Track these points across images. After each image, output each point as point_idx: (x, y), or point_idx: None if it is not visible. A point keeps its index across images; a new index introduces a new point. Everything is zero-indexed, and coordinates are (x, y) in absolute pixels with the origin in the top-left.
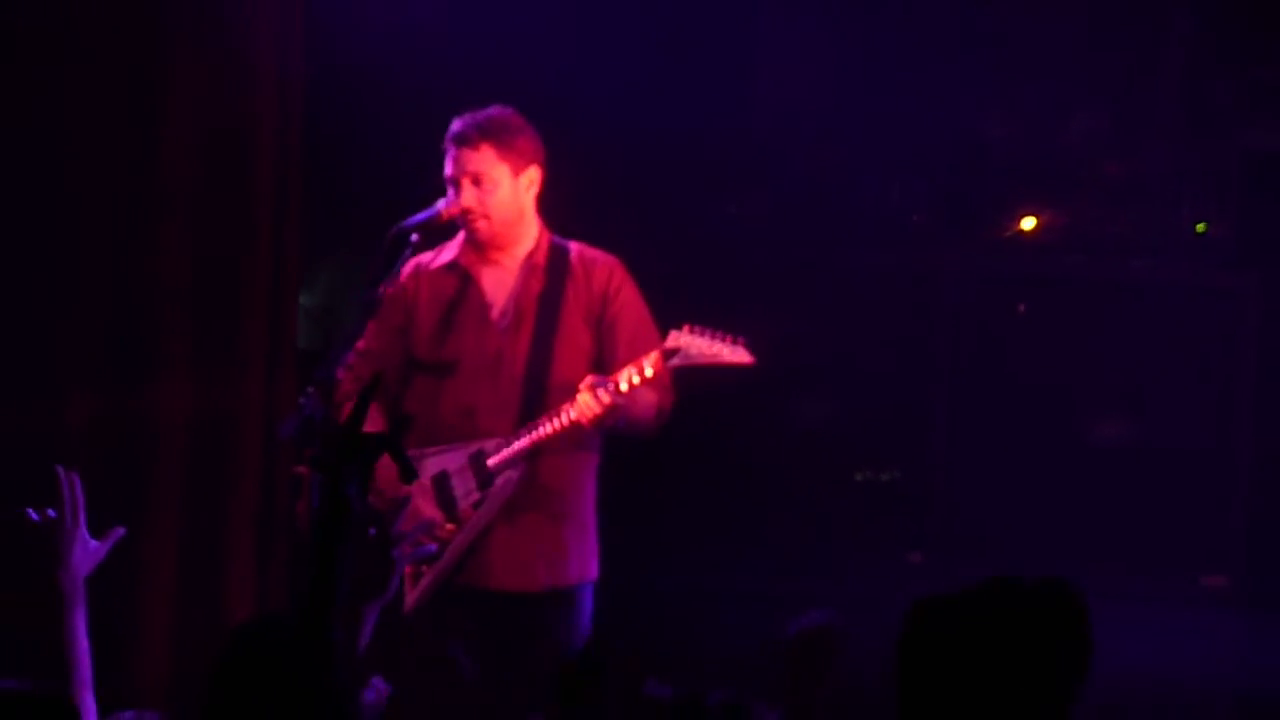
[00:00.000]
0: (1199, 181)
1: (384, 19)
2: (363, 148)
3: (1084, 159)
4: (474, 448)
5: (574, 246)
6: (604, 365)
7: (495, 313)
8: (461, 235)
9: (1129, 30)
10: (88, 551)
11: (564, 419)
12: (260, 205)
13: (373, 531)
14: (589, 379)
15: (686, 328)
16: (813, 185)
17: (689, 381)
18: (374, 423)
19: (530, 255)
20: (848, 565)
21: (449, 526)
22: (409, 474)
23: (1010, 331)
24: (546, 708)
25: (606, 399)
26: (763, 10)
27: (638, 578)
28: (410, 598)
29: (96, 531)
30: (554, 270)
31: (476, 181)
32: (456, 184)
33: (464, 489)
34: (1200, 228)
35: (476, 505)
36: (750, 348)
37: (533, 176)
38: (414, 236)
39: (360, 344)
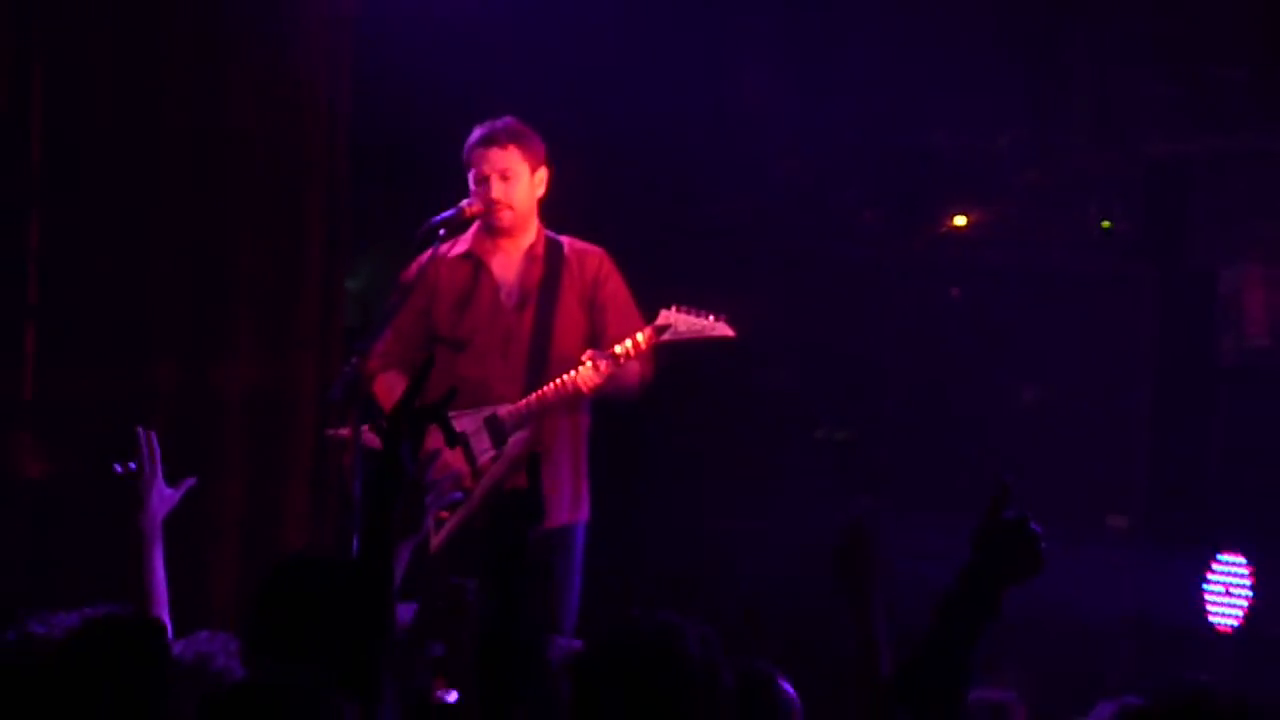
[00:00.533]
0: (1105, 185)
1: (420, 42)
2: (398, 157)
3: (1008, 166)
4: (488, 412)
5: (566, 240)
6: (596, 341)
7: (503, 295)
8: (474, 229)
9: (1048, 56)
10: (163, 498)
11: (568, 385)
12: (313, 207)
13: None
14: (590, 352)
15: (675, 307)
16: (781, 186)
17: (676, 353)
18: (396, 391)
19: (531, 247)
20: (807, 508)
21: (470, 479)
22: (452, 439)
23: (946, 311)
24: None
25: (604, 367)
26: (743, 39)
27: (623, 518)
28: (436, 539)
29: (171, 481)
30: (551, 260)
31: (504, 177)
32: (486, 180)
33: (481, 447)
34: (1106, 225)
35: (494, 460)
36: (729, 323)
37: (542, 176)
38: (441, 231)
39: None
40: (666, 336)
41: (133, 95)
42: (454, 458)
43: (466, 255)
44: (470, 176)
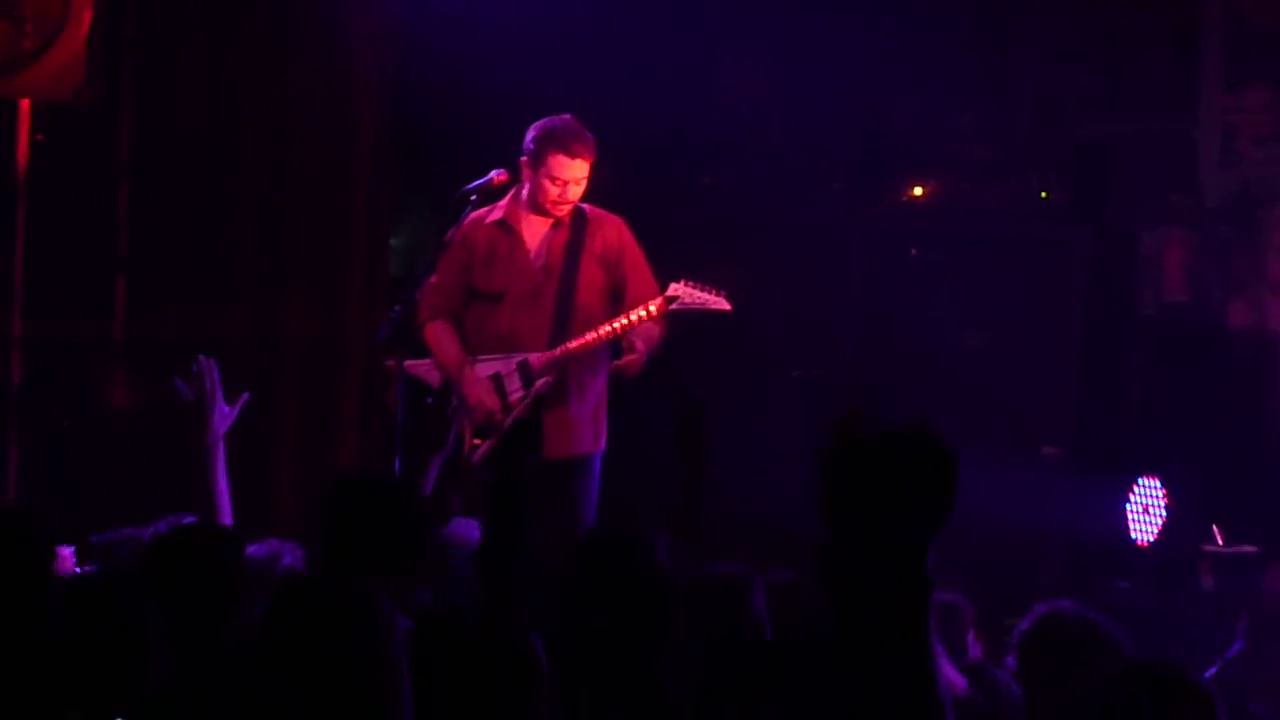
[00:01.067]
0: (1043, 161)
1: (456, 33)
2: (437, 127)
3: (960, 144)
4: (520, 357)
5: (588, 208)
6: (618, 298)
7: (532, 257)
8: (508, 197)
9: (996, 52)
10: (224, 415)
11: (590, 341)
12: (362, 172)
13: (430, 401)
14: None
15: (684, 281)
16: (763, 162)
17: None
18: (448, 337)
19: (560, 216)
20: (785, 437)
21: (501, 414)
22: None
23: (905, 269)
24: None
25: (621, 325)
26: (730, 37)
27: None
28: (476, 457)
29: (230, 399)
30: (575, 227)
31: (578, 183)
32: (564, 184)
33: (513, 387)
34: (1044, 195)
35: (522, 400)
36: (729, 299)
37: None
38: (473, 197)
39: (433, 277)
40: (675, 306)
41: (209, 85)
42: (489, 396)
43: (501, 221)
44: (541, 172)
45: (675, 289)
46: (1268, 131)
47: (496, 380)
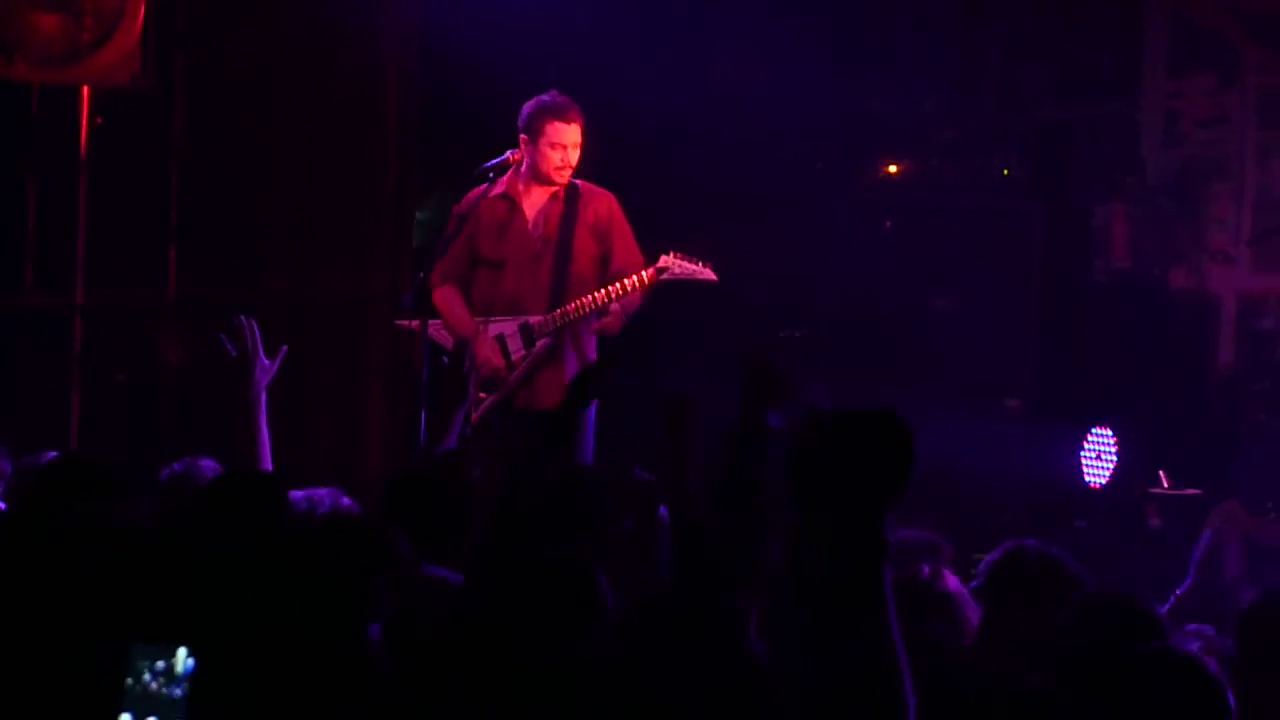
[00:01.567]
0: (1006, 142)
1: (477, 22)
2: (458, 109)
3: (930, 127)
4: (521, 320)
5: (581, 183)
6: (607, 266)
7: (531, 226)
8: (510, 172)
9: (965, 44)
10: (264, 369)
11: (586, 305)
12: (390, 156)
13: (446, 360)
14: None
15: (673, 254)
16: (752, 141)
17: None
18: (456, 301)
19: (555, 190)
20: None
21: (505, 370)
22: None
23: (880, 239)
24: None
25: (615, 290)
26: (724, 30)
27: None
28: (476, 413)
29: (269, 354)
30: (570, 200)
31: (576, 147)
32: (563, 149)
33: (515, 346)
34: (1006, 172)
35: (524, 359)
36: (715, 270)
37: None
38: (491, 175)
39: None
40: (665, 277)
41: (251, 72)
42: (494, 354)
43: (503, 195)
44: (541, 141)
45: (665, 260)
46: (1209, 115)
47: (500, 340)
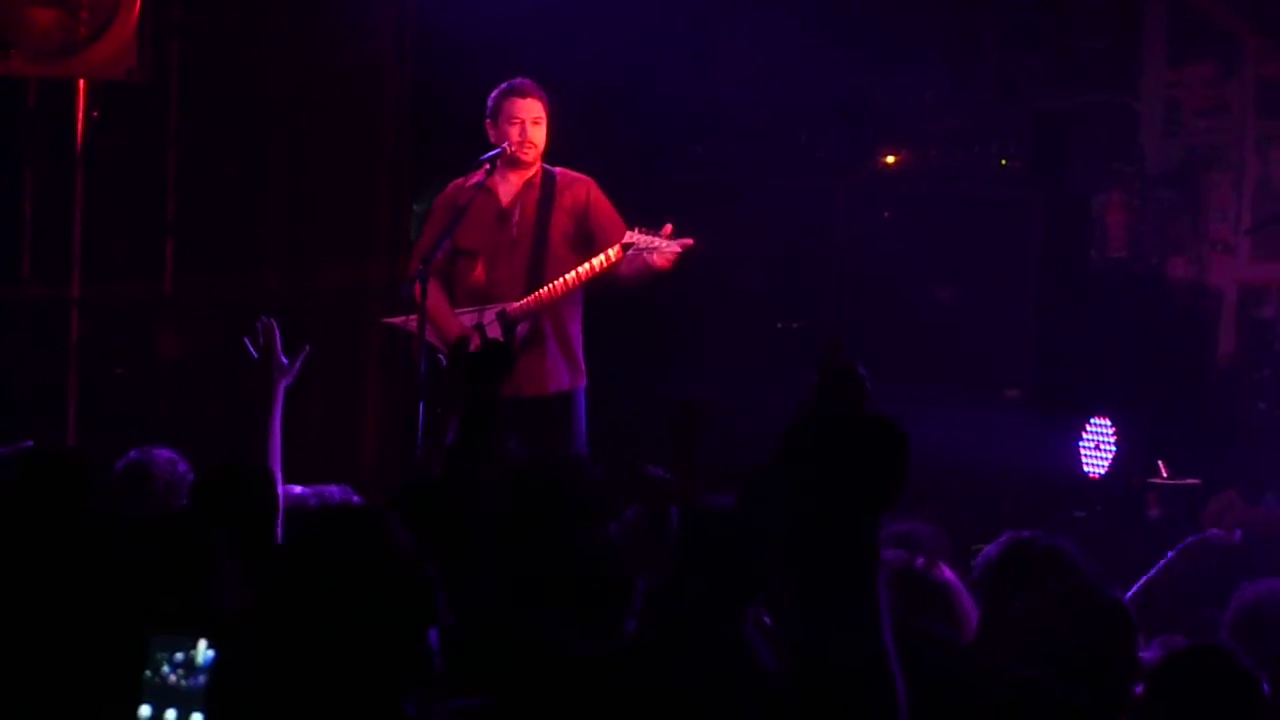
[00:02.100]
0: (1004, 131)
1: (473, 15)
2: (455, 102)
3: (929, 115)
4: (499, 307)
5: (558, 171)
6: (589, 247)
7: (507, 214)
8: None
9: (964, 34)
10: (284, 369)
11: (559, 287)
12: (385, 150)
13: (442, 358)
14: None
15: (638, 229)
16: (752, 130)
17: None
18: (435, 294)
19: (531, 178)
20: (770, 384)
21: None
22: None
23: (879, 229)
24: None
25: (583, 275)
26: (721, 29)
27: (619, 389)
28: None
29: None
30: (546, 186)
31: (535, 122)
32: (521, 124)
33: (495, 334)
34: (1004, 162)
35: None
36: (675, 237)
37: (548, 124)
38: (488, 166)
39: (424, 238)
40: (630, 252)
41: (247, 64)
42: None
43: (479, 184)
44: (501, 120)
45: (630, 236)
46: (1209, 105)
47: (480, 330)
